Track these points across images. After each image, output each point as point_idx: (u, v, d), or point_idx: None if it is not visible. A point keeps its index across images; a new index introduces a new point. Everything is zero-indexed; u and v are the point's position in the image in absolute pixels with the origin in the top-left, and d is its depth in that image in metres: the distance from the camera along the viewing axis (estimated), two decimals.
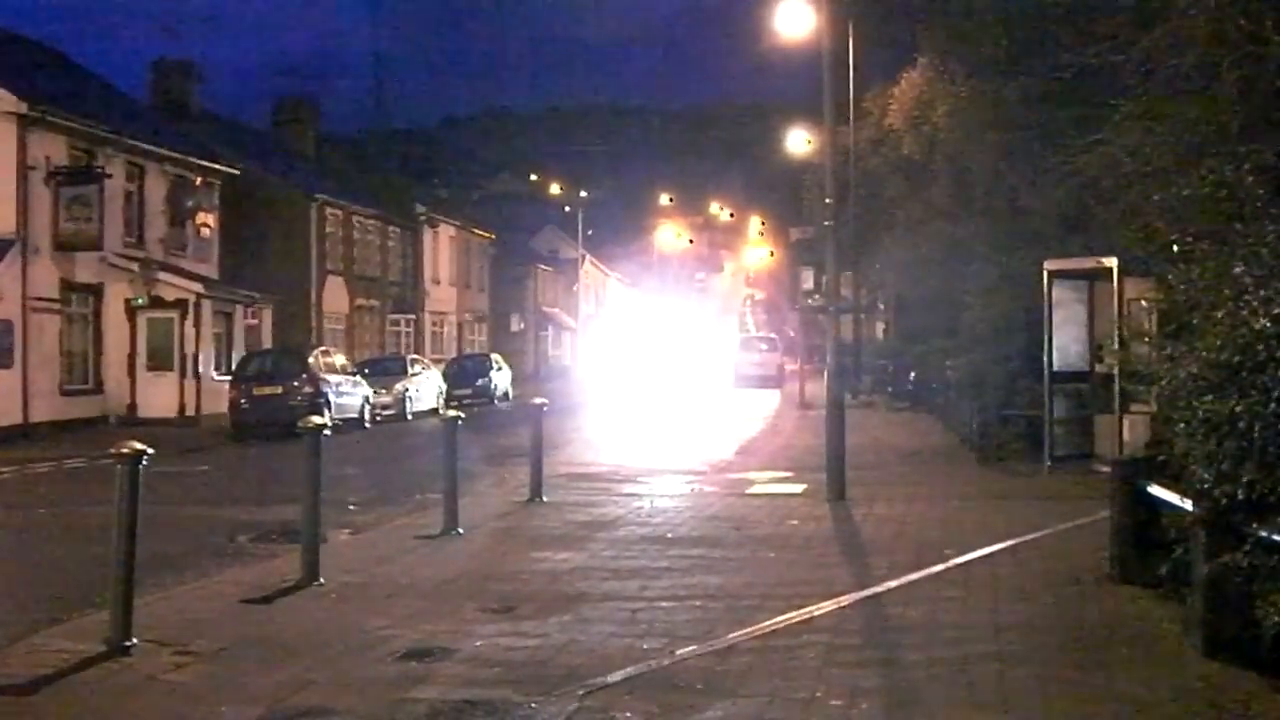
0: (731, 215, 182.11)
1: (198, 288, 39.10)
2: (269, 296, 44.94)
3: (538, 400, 19.48)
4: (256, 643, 9.49)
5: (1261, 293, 8.25)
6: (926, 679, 8.32)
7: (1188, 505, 8.89)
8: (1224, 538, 8.09)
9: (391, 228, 60.49)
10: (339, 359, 39.53)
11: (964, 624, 9.86)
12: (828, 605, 10.53)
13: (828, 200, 19.50)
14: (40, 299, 34.16)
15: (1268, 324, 7.92)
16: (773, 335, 74.33)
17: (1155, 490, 10.09)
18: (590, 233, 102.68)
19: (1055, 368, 20.00)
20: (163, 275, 38.49)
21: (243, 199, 45.63)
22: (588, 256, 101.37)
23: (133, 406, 37.46)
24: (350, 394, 37.18)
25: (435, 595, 11.29)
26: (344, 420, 34.68)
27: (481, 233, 76.28)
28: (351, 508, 18.17)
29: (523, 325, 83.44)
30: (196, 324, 38.49)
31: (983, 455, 22.47)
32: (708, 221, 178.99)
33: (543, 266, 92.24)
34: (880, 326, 56.99)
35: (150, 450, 9.55)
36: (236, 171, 44.78)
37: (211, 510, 18.54)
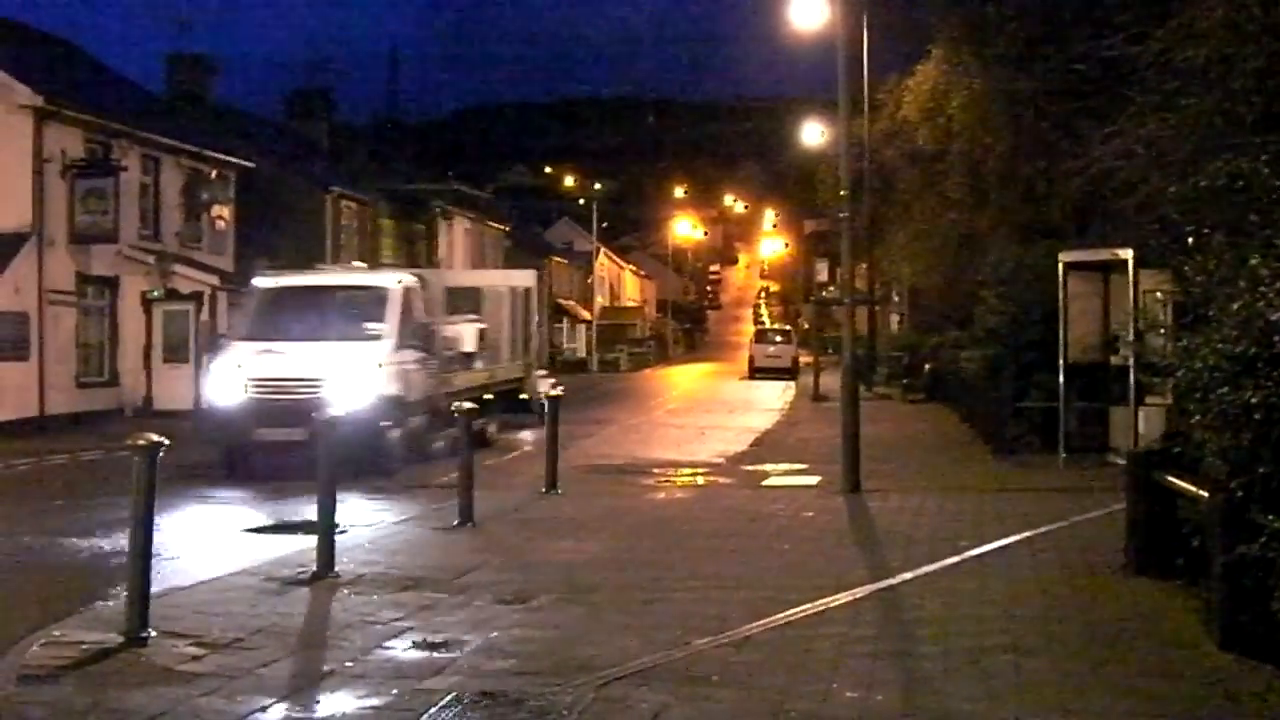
0: (746, 208, 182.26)
1: (213, 280, 39.16)
2: None
3: (552, 392, 19.49)
4: (273, 633, 9.51)
5: (1278, 284, 8.24)
6: (942, 671, 8.32)
7: (1203, 497, 8.88)
8: (1240, 529, 8.07)
9: (406, 220, 60.52)
10: None
11: (979, 616, 9.86)
12: (843, 597, 10.54)
13: (842, 192, 19.52)
14: (56, 292, 34.22)
15: None
16: (788, 328, 74.48)
17: (1171, 482, 10.08)
18: (605, 225, 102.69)
19: (1070, 360, 19.99)
20: (178, 268, 38.54)
21: (258, 192, 45.69)
22: (602, 249, 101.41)
23: (149, 398, 37.53)
24: None
25: (451, 586, 11.30)
26: None
27: (496, 225, 76.31)
28: (367, 499, 18.20)
29: (537, 317, 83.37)
30: (212, 316, 38.55)
31: (998, 447, 22.45)
32: (722, 214, 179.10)
33: (557, 259, 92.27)
34: (895, 318, 56.99)
35: (166, 441, 9.58)
36: (251, 164, 44.81)
37: (227, 501, 18.57)
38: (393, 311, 23.10)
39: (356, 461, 17.31)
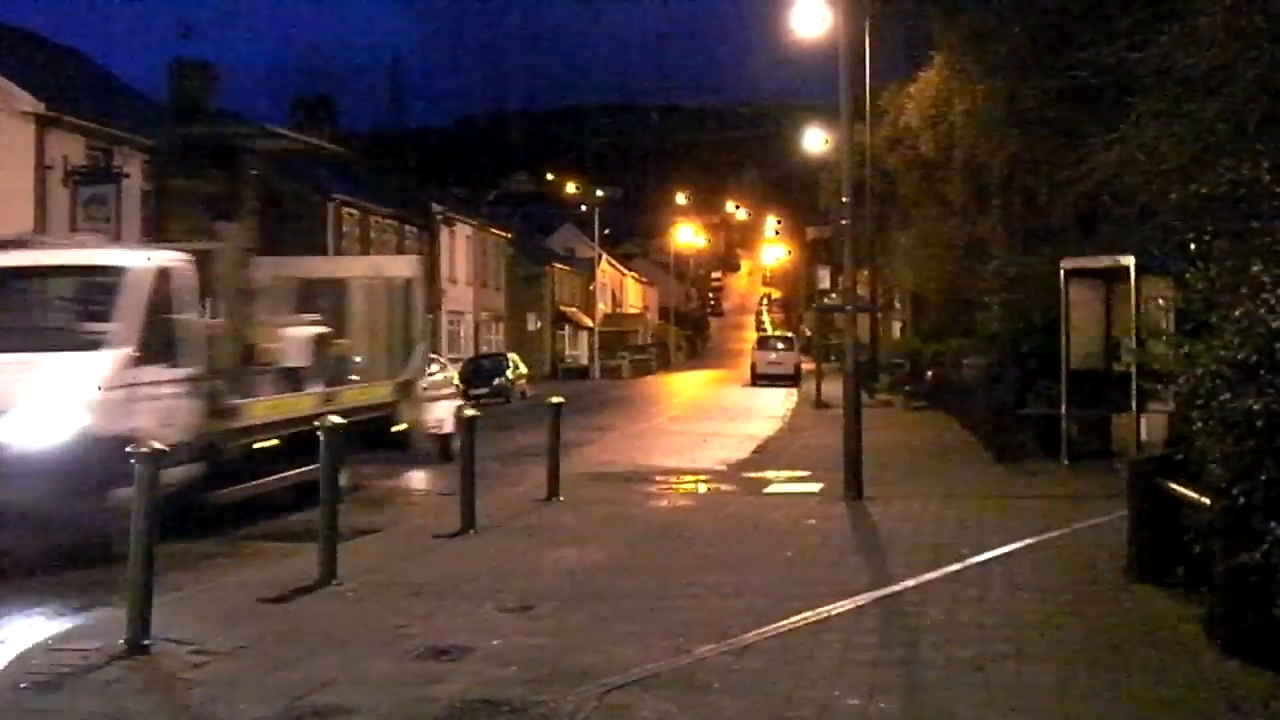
0: (748, 214, 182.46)
1: None
2: None
3: (554, 399, 19.44)
4: (275, 641, 9.51)
5: (1279, 291, 8.24)
6: (944, 678, 8.31)
7: (1206, 503, 8.87)
8: (1242, 536, 8.06)
9: (408, 227, 60.64)
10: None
11: (982, 623, 9.85)
12: (845, 604, 10.53)
13: (844, 199, 19.51)
14: None
15: None
16: (790, 335, 74.59)
17: (1173, 489, 10.08)
18: (606, 231, 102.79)
19: (1072, 366, 19.99)
20: None
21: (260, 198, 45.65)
22: (604, 255, 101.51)
23: None
24: None
25: (453, 594, 11.30)
26: None
27: (498, 232, 76.50)
28: (369, 506, 18.21)
29: (539, 324, 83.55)
30: None
31: (1000, 454, 22.43)
32: (724, 221, 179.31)
33: (559, 265, 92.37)
34: (897, 325, 56.97)
35: (168, 448, 9.58)
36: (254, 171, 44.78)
37: (229, 508, 18.56)
38: (131, 305, 14.98)
39: (56, 535, 12.27)
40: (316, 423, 12.86)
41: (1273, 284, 8.39)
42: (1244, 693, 7.81)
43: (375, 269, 24.06)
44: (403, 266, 24.01)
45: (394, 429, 20.74)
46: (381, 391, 20.73)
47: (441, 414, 21.58)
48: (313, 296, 21.56)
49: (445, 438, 23.92)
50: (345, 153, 52.14)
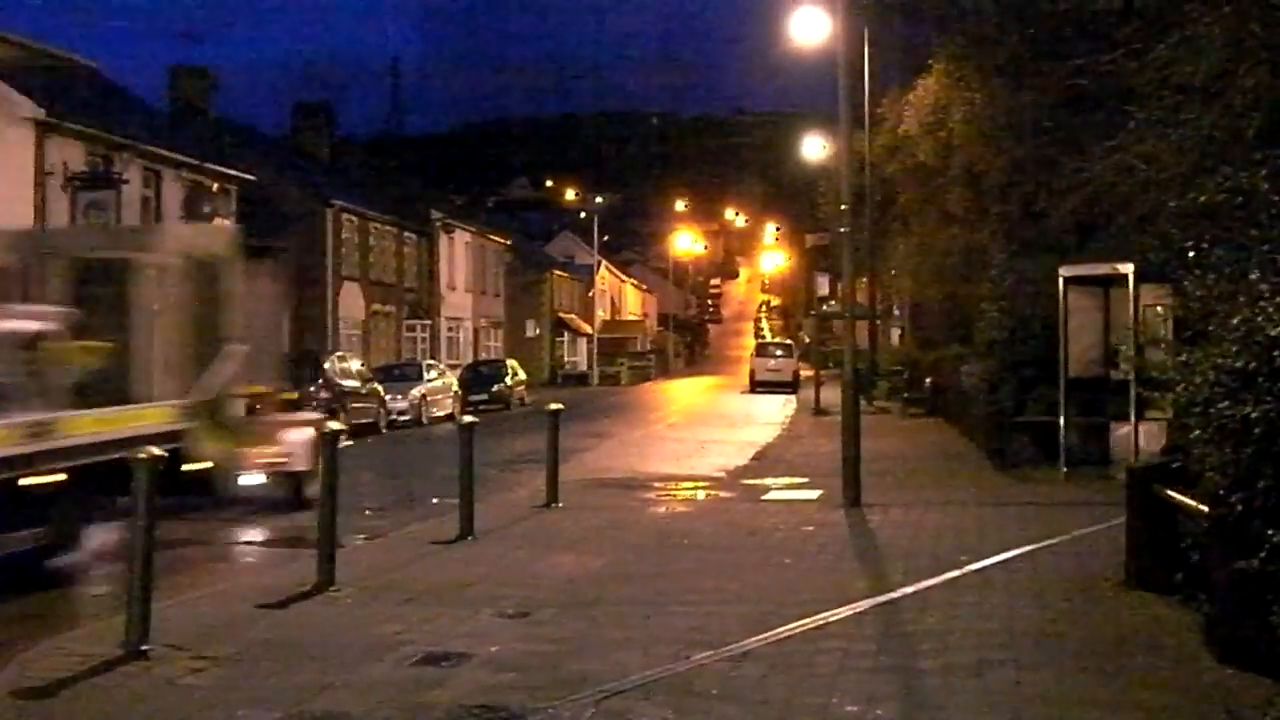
0: (747, 221, 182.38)
1: None
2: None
3: (553, 406, 19.44)
4: (273, 647, 9.52)
5: (1277, 299, 8.26)
6: (942, 686, 8.32)
7: (1204, 511, 8.88)
8: (1240, 543, 8.08)
9: (407, 233, 60.65)
10: (355, 364, 39.57)
11: (980, 630, 9.85)
12: (843, 611, 10.53)
13: (843, 206, 19.53)
14: None
15: None
16: (789, 341, 74.58)
17: (1171, 496, 10.08)
18: (605, 238, 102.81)
19: (1071, 374, 19.98)
20: None
21: (259, 205, 45.74)
22: (603, 262, 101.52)
23: None
24: (366, 400, 37.19)
25: (451, 600, 11.30)
26: (360, 426, 34.69)
27: (497, 238, 76.51)
28: (367, 513, 18.20)
29: (538, 331, 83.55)
30: None
31: (998, 461, 22.43)
32: (723, 227, 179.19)
33: (558, 272, 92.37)
34: (896, 332, 56.97)
35: (167, 454, 9.58)
36: (253, 177, 44.86)
37: (227, 515, 18.56)
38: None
39: None
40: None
41: (1271, 292, 8.41)
42: (1241, 700, 7.82)
43: (172, 243, 16.94)
44: (211, 240, 17.48)
45: (185, 468, 14.99)
46: (155, 416, 14.85)
47: (289, 445, 15.93)
48: (89, 283, 16.01)
49: (296, 476, 18.08)
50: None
